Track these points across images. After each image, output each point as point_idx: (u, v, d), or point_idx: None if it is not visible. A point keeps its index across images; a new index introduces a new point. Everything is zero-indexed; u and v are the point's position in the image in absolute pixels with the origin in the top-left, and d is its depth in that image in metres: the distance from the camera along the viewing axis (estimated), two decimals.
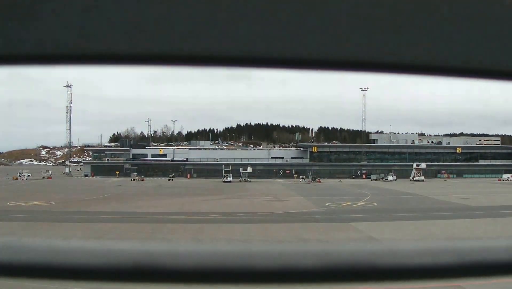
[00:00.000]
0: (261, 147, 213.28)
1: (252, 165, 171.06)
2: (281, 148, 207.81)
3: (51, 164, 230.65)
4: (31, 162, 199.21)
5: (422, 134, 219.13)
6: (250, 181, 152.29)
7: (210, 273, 2.22)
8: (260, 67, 2.33)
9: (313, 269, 2.28)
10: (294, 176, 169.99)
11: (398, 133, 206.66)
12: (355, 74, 2.29)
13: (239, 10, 1.76)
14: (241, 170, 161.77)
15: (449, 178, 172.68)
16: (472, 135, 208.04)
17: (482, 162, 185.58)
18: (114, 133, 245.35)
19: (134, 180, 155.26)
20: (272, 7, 1.80)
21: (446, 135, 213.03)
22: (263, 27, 1.93)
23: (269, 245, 2.43)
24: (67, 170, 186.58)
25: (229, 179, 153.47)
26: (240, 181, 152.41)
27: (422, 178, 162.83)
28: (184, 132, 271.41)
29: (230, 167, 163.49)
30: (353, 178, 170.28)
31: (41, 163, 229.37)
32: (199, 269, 2.21)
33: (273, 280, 2.28)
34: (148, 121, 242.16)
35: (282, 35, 2.04)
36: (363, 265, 2.28)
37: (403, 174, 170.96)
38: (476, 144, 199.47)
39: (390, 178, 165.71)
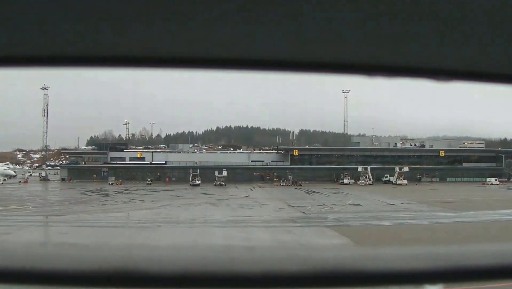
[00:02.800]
0: (241, 150, 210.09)
1: (231, 169, 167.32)
2: (261, 151, 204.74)
3: (27, 167, 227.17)
4: (7, 165, 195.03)
5: (405, 137, 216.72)
6: (225, 185, 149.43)
7: (192, 278, 2.44)
8: (243, 70, 2.47)
9: (297, 274, 2.49)
10: (275, 179, 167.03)
11: (381, 136, 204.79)
12: (337, 76, 2.40)
13: (217, 13, 1.90)
14: (216, 173, 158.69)
15: (432, 181, 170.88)
16: (456, 138, 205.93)
17: (466, 165, 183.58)
18: (91, 136, 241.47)
19: (112, 184, 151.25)
20: (255, 11, 1.93)
21: (430, 138, 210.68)
22: (247, 30, 2.10)
23: (251, 250, 2.62)
24: (43, 174, 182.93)
25: (197, 182, 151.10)
26: (215, 185, 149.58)
27: (405, 181, 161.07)
28: (163, 135, 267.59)
29: (198, 170, 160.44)
30: (334, 181, 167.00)
31: (17, 166, 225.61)
32: (181, 275, 2.41)
33: (256, 285, 2.51)
34: (126, 124, 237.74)
35: (265, 38, 2.22)
36: (348, 270, 2.54)
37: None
38: (460, 147, 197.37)
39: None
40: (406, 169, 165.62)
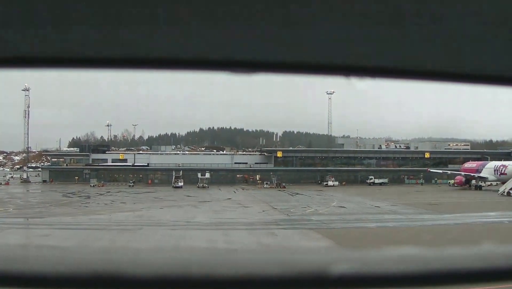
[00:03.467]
0: (225, 152, 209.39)
1: (214, 170, 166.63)
2: (245, 153, 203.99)
3: (8, 169, 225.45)
4: None
5: (390, 139, 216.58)
6: (208, 187, 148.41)
7: (172, 281, 2.53)
8: (226, 71, 2.58)
9: (279, 278, 2.60)
10: (258, 181, 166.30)
11: (365, 138, 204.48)
12: (321, 78, 2.51)
13: (199, 14, 1.99)
14: (198, 175, 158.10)
15: (417, 183, 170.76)
16: (441, 140, 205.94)
17: (451, 166, 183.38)
18: (73, 138, 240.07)
19: (93, 186, 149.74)
20: (239, 13, 2.03)
21: (415, 140, 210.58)
22: (230, 32, 2.22)
23: (233, 253, 2.71)
24: (24, 176, 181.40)
25: (180, 184, 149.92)
26: (198, 187, 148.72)
27: (386, 180, 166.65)
28: (146, 137, 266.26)
29: (181, 172, 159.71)
30: (319, 183, 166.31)
31: None
32: (161, 278, 2.51)
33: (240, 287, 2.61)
34: (108, 125, 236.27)
35: (248, 40, 2.34)
36: (331, 273, 2.65)
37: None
38: (445, 149, 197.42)
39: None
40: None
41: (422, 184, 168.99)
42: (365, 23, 2.01)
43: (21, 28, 1.93)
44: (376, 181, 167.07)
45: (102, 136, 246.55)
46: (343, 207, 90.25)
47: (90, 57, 2.16)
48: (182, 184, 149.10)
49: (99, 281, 2.18)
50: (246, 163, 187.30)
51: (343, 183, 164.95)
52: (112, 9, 1.81)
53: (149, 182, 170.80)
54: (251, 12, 1.86)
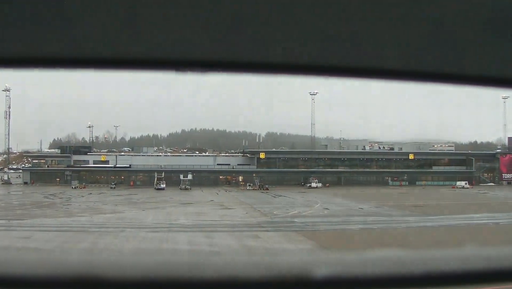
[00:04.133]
0: (207, 153, 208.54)
1: (197, 172, 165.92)
2: (227, 154, 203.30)
3: None
4: None
5: (374, 140, 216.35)
6: (190, 189, 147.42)
7: (155, 284, 2.56)
8: (209, 71, 2.61)
9: (261, 281, 2.64)
10: (241, 183, 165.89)
11: (349, 139, 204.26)
12: (306, 78, 2.54)
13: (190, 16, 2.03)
14: (181, 176, 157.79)
15: (401, 185, 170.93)
16: (425, 141, 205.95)
17: (435, 168, 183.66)
18: (54, 139, 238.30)
19: (75, 188, 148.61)
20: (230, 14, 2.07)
21: (399, 141, 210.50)
22: (217, 32, 2.26)
23: (215, 255, 2.76)
24: (5, 177, 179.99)
25: (162, 186, 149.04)
26: (180, 189, 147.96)
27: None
28: (127, 139, 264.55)
29: (163, 173, 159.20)
30: (302, 185, 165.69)
31: None
32: (145, 281, 2.54)
33: None
34: (90, 126, 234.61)
35: (233, 40, 2.39)
36: (315, 276, 2.69)
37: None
38: (430, 150, 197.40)
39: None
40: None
41: (405, 185, 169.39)
42: (351, 23, 2.07)
43: (6, 26, 1.98)
44: (313, 184, 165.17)
45: (83, 138, 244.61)
46: (327, 208, 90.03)
47: (72, 57, 2.20)
48: (164, 185, 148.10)
49: (79, 284, 2.24)
50: (229, 164, 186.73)
51: (327, 184, 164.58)
52: (101, 8, 1.86)
53: (131, 183, 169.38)
54: (235, 13, 1.92)
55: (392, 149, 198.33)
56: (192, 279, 2.31)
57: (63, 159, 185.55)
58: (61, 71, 2.31)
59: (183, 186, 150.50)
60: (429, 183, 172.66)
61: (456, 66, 2.67)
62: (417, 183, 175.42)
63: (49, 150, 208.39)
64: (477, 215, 74.00)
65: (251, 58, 2.27)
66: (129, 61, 2.23)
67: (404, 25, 2.08)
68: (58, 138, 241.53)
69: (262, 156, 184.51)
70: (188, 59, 2.21)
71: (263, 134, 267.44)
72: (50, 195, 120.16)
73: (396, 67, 2.52)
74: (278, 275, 2.62)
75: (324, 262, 2.66)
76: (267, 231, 60.05)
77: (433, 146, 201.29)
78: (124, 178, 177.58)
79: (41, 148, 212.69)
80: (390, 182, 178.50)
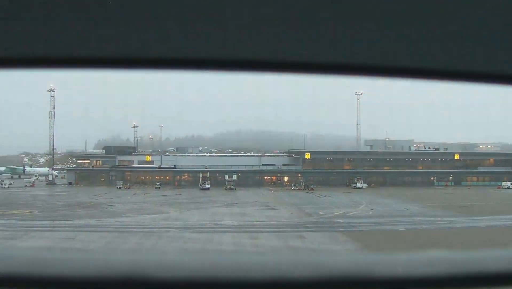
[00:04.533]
0: (252, 154, 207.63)
1: (242, 172, 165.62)
2: (272, 154, 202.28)
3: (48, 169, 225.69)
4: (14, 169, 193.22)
5: (419, 142, 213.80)
6: (235, 189, 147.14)
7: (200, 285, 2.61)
8: (250, 71, 2.63)
9: (303, 280, 2.67)
10: (286, 183, 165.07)
11: (394, 140, 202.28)
12: (345, 78, 2.57)
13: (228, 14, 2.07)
14: (226, 177, 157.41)
15: (447, 185, 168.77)
16: (470, 143, 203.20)
17: (481, 168, 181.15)
18: (99, 140, 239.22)
19: (120, 188, 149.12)
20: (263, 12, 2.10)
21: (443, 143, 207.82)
22: (261, 32, 2.29)
23: (260, 256, 2.80)
24: (50, 178, 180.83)
25: (207, 186, 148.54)
26: (225, 189, 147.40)
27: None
28: (172, 139, 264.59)
29: (208, 174, 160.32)
30: (347, 185, 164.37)
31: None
32: (190, 281, 2.59)
33: None
34: (134, 127, 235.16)
35: (271, 40, 2.41)
36: (354, 276, 2.72)
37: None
38: (475, 150, 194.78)
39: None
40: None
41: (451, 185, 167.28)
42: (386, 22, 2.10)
43: (42, 28, 2.03)
44: (358, 185, 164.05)
45: (128, 138, 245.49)
46: (372, 209, 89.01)
47: (116, 58, 2.24)
48: (209, 186, 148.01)
49: (126, 283, 2.29)
50: (274, 165, 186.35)
51: (372, 185, 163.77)
52: (132, 9, 1.92)
53: (176, 184, 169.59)
54: (264, 10, 1.97)
55: (438, 149, 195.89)
56: (231, 280, 2.36)
57: (108, 159, 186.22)
58: (111, 71, 2.38)
59: (228, 186, 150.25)
60: (475, 183, 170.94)
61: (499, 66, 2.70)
62: (462, 183, 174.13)
63: (93, 150, 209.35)
64: None
65: (276, 57, 2.32)
66: (174, 62, 2.29)
67: (442, 25, 2.12)
68: (102, 139, 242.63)
69: (307, 156, 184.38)
70: (211, 58, 2.27)
71: (308, 134, 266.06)
72: (95, 195, 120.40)
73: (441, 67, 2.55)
74: (317, 275, 2.51)
75: (363, 263, 2.76)
76: (312, 231, 59.38)
77: (479, 146, 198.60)
78: (169, 178, 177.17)
79: (86, 148, 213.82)
80: (436, 182, 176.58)
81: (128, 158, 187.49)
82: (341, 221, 70.53)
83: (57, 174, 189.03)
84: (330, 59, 2.13)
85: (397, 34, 1.98)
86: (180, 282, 2.11)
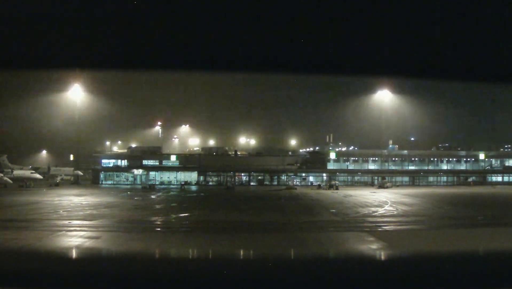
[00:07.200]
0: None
1: (266, 172, 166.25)
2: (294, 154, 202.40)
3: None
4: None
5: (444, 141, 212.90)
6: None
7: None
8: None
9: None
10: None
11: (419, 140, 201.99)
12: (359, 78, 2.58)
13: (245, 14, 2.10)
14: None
15: (472, 184, 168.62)
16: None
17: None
18: (123, 140, 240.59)
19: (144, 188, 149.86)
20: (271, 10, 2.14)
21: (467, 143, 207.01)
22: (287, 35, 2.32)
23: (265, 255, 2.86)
24: (73, 178, 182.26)
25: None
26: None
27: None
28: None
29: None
30: (372, 185, 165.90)
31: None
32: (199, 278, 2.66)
33: None
34: (159, 126, 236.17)
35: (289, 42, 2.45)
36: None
37: None
38: (501, 150, 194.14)
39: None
40: None
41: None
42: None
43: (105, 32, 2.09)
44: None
45: (153, 137, 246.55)
46: (398, 208, 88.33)
47: (119, 58, 2.30)
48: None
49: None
50: (298, 164, 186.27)
51: (398, 184, 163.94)
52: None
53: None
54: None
55: (463, 149, 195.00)
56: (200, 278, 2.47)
57: (132, 160, 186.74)
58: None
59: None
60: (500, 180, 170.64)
61: None
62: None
63: (118, 150, 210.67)
64: None
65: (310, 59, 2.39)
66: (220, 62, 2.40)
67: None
68: (127, 139, 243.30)
69: (332, 155, 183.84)
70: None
71: (332, 133, 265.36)
72: (119, 194, 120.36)
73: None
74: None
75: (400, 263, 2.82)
76: (338, 231, 58.94)
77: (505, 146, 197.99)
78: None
79: (110, 148, 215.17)
80: (461, 181, 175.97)
81: (154, 157, 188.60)
82: (366, 220, 70.02)
83: (81, 173, 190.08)
84: (332, 60, 2.19)
85: (397, 34, 2.09)
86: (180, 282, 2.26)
